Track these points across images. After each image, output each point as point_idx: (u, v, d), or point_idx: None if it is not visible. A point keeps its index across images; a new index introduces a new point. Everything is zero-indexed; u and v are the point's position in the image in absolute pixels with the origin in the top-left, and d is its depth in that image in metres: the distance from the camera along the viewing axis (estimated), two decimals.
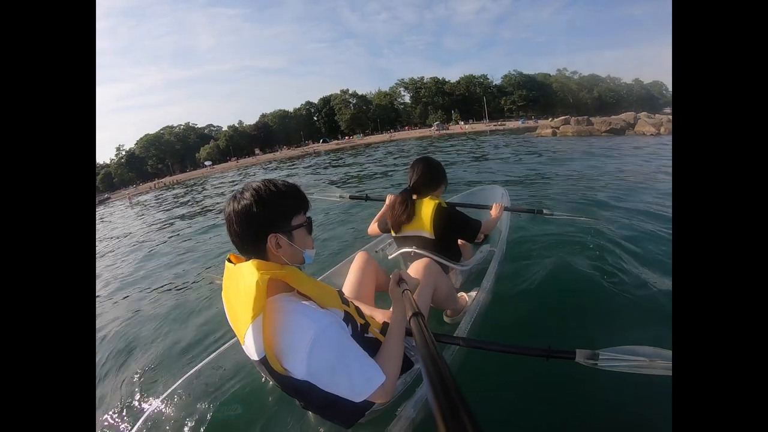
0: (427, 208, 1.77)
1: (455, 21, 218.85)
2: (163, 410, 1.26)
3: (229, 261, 1.00)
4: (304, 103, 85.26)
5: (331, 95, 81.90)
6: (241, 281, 0.90)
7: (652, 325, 1.87)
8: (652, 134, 24.06)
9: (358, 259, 1.76)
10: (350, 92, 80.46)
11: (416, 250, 1.82)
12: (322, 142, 69.38)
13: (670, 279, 2.38)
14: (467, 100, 78.48)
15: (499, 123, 61.97)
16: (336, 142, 66.54)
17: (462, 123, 68.07)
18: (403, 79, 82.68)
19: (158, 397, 1.27)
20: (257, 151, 74.54)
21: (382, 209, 2.01)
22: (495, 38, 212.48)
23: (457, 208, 1.93)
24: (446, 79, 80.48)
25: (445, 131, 54.58)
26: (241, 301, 0.88)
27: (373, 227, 2.07)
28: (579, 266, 2.50)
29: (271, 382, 1.24)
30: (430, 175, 1.84)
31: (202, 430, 1.32)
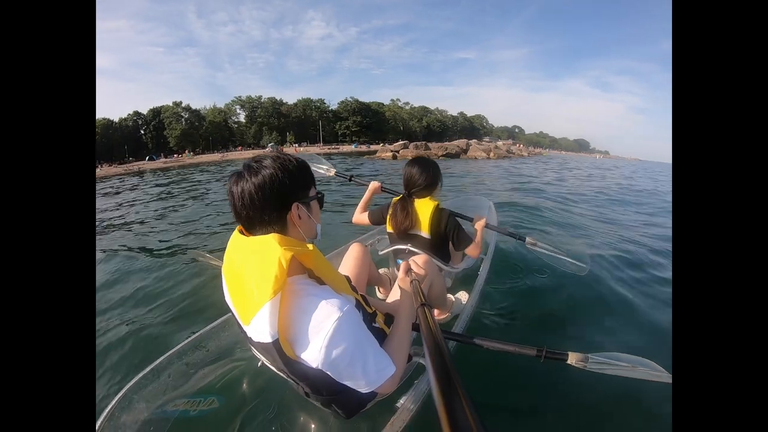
0: (426, 208, 1.79)
1: (300, 44, 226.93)
2: (141, 390, 1.15)
3: (240, 233, 0.90)
4: (131, 112, 74.63)
5: (162, 107, 73.72)
6: (256, 255, 0.81)
7: (632, 332, 2.21)
8: (483, 158, 28.99)
9: (355, 250, 1.73)
10: (183, 105, 74.06)
11: (411, 248, 1.82)
12: (149, 159, 63.33)
13: (650, 289, 2.93)
14: (303, 123, 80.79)
15: (333, 147, 65.94)
16: (164, 160, 62.08)
17: (296, 145, 69.62)
18: (240, 97, 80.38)
19: (137, 375, 1.17)
20: None
21: (365, 196, 2.07)
22: (336, 66, 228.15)
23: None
24: (284, 101, 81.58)
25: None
26: (256, 277, 0.79)
27: (359, 217, 2.07)
28: (567, 274, 2.48)
29: (259, 365, 1.22)
30: (430, 177, 1.83)
31: (183, 411, 1.24)
